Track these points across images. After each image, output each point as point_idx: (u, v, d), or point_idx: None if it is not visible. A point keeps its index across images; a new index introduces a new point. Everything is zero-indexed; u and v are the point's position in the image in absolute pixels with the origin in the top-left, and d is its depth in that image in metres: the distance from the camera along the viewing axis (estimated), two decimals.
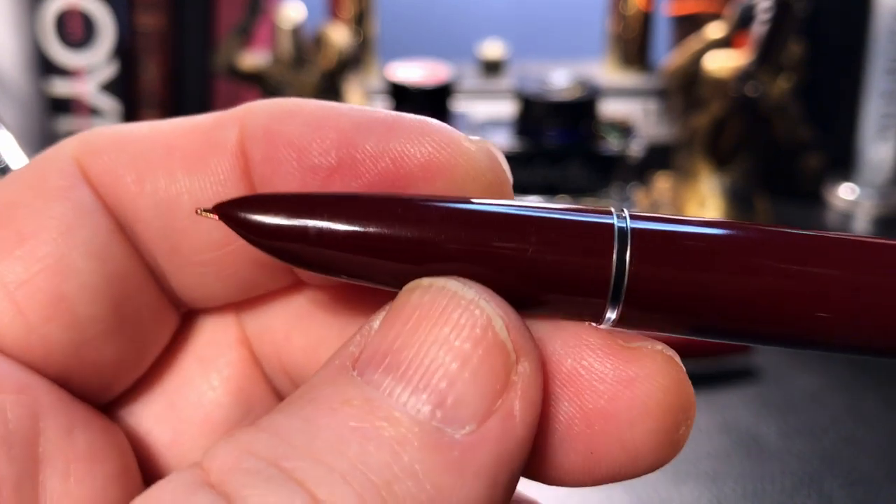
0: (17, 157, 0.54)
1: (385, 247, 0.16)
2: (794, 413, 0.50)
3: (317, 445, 0.15)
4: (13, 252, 0.18)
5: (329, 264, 0.17)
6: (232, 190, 0.19)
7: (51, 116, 0.68)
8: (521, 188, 0.67)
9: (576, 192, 0.67)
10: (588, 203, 0.67)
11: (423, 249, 0.16)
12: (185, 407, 0.21)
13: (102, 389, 0.20)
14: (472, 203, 0.17)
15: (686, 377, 0.17)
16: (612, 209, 0.17)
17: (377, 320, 0.16)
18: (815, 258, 0.16)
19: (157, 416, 0.21)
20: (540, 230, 0.16)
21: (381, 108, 0.19)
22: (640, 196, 0.70)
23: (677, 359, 0.17)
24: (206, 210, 0.17)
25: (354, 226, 0.17)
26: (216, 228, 0.18)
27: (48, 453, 0.17)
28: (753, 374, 0.53)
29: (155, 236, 0.19)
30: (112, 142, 0.19)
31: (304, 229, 0.17)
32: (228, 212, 0.17)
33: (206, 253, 0.19)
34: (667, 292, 0.16)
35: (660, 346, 0.17)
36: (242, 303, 0.22)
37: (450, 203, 0.17)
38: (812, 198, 0.72)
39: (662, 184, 0.70)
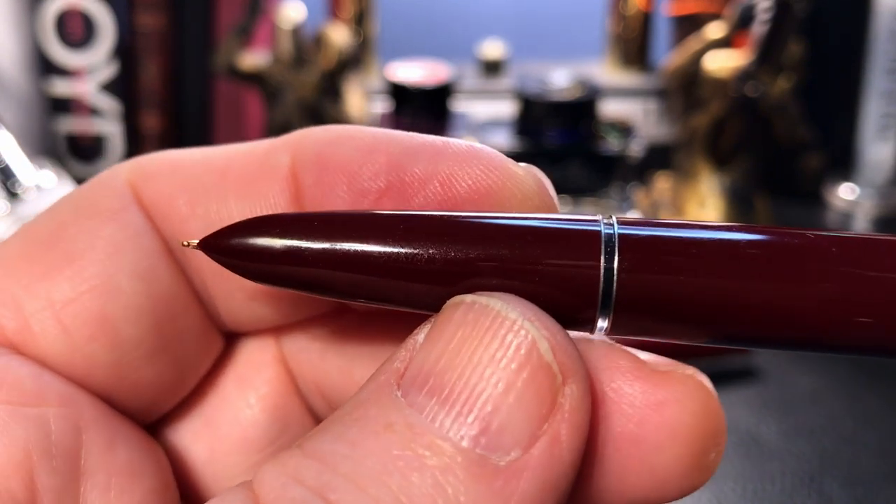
0: (17, 157, 0.54)
1: (379, 263, 0.16)
2: (794, 413, 0.50)
3: (361, 474, 0.14)
4: (62, 271, 0.18)
5: (327, 285, 0.17)
6: None
7: (51, 116, 0.68)
8: None
9: (576, 192, 0.67)
10: (588, 203, 0.67)
11: (407, 263, 0.16)
12: (222, 424, 0.21)
13: (144, 409, 0.20)
14: (453, 215, 0.17)
15: (717, 403, 0.17)
16: (600, 216, 0.17)
17: (422, 333, 0.16)
18: (810, 257, 0.16)
19: (195, 433, 0.21)
20: (528, 240, 0.16)
21: (431, 136, 0.19)
22: (640, 196, 0.70)
23: (708, 384, 0.17)
24: (189, 242, 0.17)
25: (348, 243, 0.16)
26: None
27: (90, 467, 0.18)
28: (753, 374, 0.53)
29: (201, 264, 0.19)
30: (166, 166, 0.19)
31: (295, 250, 0.16)
32: (213, 242, 0.17)
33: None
34: (658, 299, 0.16)
35: (690, 371, 0.17)
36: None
37: (432, 214, 0.17)
38: (812, 198, 0.72)
39: (662, 184, 0.70)
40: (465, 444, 0.15)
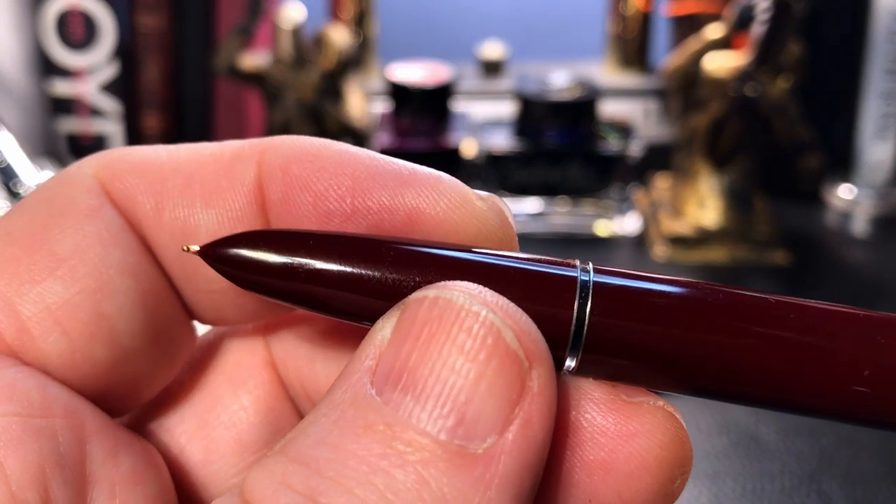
0: (17, 157, 0.54)
1: (366, 286, 0.17)
2: None
3: (347, 476, 0.15)
4: (53, 272, 0.18)
5: (312, 300, 0.18)
6: (248, 226, 0.19)
7: (51, 117, 0.68)
8: (521, 188, 0.67)
9: (575, 192, 0.67)
10: (588, 203, 0.67)
11: (395, 289, 0.17)
12: (216, 426, 0.22)
13: (131, 401, 0.20)
14: (445, 249, 0.18)
15: (685, 433, 0.18)
16: (577, 262, 0.18)
17: (387, 328, 0.16)
18: (768, 321, 0.17)
19: (190, 435, 0.22)
20: (506, 281, 0.17)
21: (395, 159, 0.19)
22: (639, 196, 0.70)
23: (678, 415, 0.18)
24: (190, 248, 0.18)
25: (340, 265, 0.17)
26: None
27: (94, 475, 0.18)
28: None
29: (171, 263, 0.20)
30: (131, 166, 0.20)
31: (289, 266, 0.17)
32: (212, 250, 0.18)
33: (220, 283, 0.20)
34: (623, 345, 0.17)
35: (661, 402, 0.18)
36: (269, 326, 0.22)
37: (426, 248, 0.18)
38: (811, 198, 0.72)
39: (662, 184, 0.70)
40: (443, 436, 0.15)
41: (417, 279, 0.17)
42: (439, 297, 0.16)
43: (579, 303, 0.17)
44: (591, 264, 0.18)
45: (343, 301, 0.17)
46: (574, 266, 0.17)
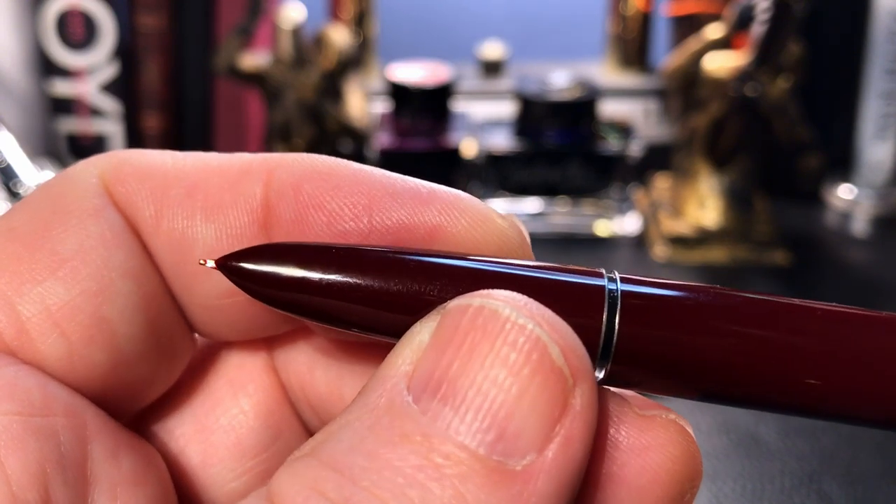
0: (18, 158, 0.54)
1: (387, 300, 0.17)
2: None
3: (381, 487, 0.15)
4: (55, 273, 0.18)
5: (335, 315, 0.17)
6: (247, 244, 0.19)
7: (51, 117, 0.68)
8: (521, 188, 0.67)
9: (575, 192, 0.67)
10: (588, 203, 0.67)
11: (419, 302, 0.17)
12: (215, 429, 0.21)
13: (130, 405, 0.20)
14: (469, 260, 0.17)
15: (696, 447, 0.18)
16: (603, 270, 0.17)
17: (425, 332, 0.16)
18: (801, 327, 0.17)
19: (188, 437, 0.21)
20: (532, 290, 0.17)
21: (409, 177, 0.19)
22: (639, 196, 0.70)
23: (689, 429, 0.18)
24: (207, 260, 0.18)
25: (365, 278, 0.17)
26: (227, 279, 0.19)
27: (96, 476, 0.18)
28: None
29: (167, 273, 0.19)
30: (136, 170, 0.19)
31: (310, 281, 0.17)
32: (230, 264, 0.17)
33: (216, 300, 0.19)
34: (653, 355, 0.17)
35: (673, 416, 0.18)
36: None
37: (444, 259, 0.17)
38: (811, 198, 0.72)
39: (662, 184, 0.70)
40: (481, 451, 0.15)
41: (447, 295, 0.17)
42: (484, 307, 0.16)
43: (608, 313, 0.17)
44: (616, 273, 0.17)
45: (366, 315, 0.17)
46: (601, 275, 0.17)
